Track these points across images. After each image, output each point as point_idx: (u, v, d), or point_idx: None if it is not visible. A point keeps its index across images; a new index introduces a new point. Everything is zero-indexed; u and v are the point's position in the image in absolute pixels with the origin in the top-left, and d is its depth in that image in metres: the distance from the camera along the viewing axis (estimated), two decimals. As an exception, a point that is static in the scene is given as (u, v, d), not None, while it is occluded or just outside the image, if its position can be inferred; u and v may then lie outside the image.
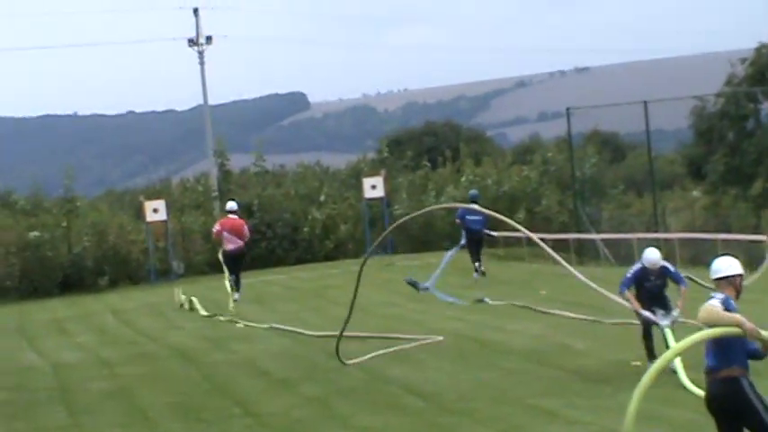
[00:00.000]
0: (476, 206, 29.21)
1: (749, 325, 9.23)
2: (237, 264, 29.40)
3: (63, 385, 19.12)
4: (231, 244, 28.97)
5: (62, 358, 22.24)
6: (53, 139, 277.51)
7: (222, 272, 29.57)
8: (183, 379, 18.71)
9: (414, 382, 16.63)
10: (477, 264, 31.20)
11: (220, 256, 29.46)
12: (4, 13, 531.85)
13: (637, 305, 16.49)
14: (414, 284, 27.51)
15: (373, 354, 19.06)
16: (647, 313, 16.35)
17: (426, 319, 23.20)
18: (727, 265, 10.00)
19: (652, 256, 16.56)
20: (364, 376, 17.47)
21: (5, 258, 38.13)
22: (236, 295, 28.72)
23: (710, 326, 9.32)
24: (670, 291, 16.79)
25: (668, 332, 16.09)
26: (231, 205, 30.13)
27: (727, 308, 9.48)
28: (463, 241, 31.49)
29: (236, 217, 29.66)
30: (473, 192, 33.64)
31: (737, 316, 9.30)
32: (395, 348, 19.65)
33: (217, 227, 29.74)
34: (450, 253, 30.74)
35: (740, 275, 10.02)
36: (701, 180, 49.93)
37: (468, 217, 30.75)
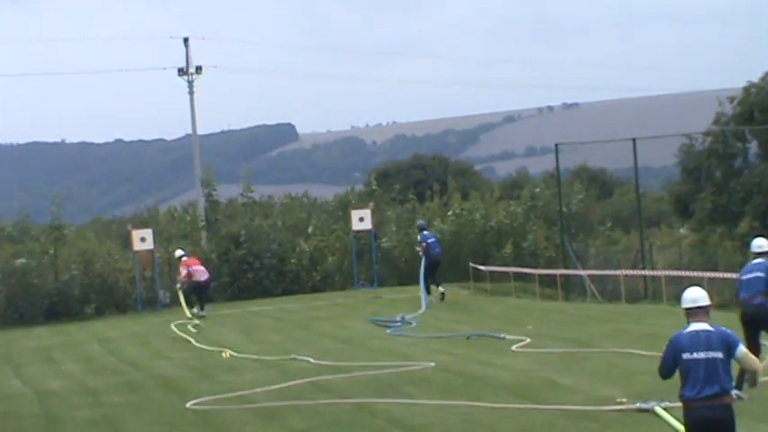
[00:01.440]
0: (426, 233, 34.43)
1: None
2: (208, 290, 34.60)
3: (48, 413, 19.08)
4: (204, 274, 33.41)
5: (47, 386, 22.21)
6: (40, 167, 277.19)
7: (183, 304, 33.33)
8: (168, 409, 18.66)
9: (400, 416, 16.60)
10: (441, 288, 33.72)
11: (181, 292, 33.52)
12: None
13: None
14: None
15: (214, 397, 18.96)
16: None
17: (413, 353, 23.17)
18: (703, 295, 10.75)
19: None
20: (351, 408, 17.45)
21: (-9, 285, 37.98)
22: (203, 312, 33.16)
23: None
24: None
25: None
26: (180, 252, 34.71)
27: None
28: (423, 269, 33.68)
29: (188, 256, 34.58)
30: (421, 221, 37.00)
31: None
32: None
33: (184, 270, 33.31)
34: (421, 283, 33.49)
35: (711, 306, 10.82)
36: (688, 218, 49.99)
37: (429, 240, 34.09)
